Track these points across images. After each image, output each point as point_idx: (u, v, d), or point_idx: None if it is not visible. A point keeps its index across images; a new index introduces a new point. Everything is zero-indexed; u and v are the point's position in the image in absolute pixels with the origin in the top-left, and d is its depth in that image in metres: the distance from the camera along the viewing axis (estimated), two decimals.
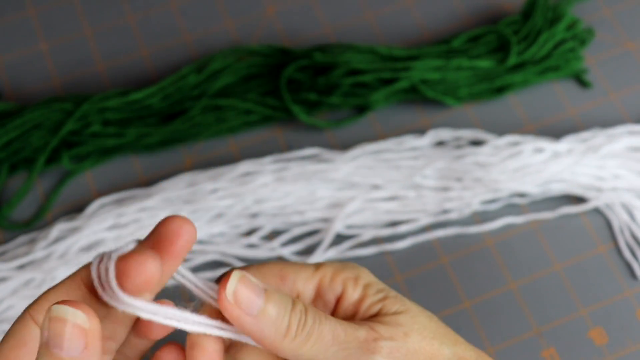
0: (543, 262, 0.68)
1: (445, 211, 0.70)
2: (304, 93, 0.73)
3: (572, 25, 0.76)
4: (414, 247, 0.69)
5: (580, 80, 0.76)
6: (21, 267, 0.67)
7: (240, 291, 0.43)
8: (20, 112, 0.71)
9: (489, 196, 0.70)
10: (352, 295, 0.48)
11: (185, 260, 0.68)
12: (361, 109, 0.75)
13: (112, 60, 0.77)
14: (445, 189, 0.70)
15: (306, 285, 0.48)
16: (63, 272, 0.66)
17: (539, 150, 0.70)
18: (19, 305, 0.66)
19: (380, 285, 0.49)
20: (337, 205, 0.70)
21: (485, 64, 0.73)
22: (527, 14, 0.76)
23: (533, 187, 0.70)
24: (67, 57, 0.77)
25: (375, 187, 0.70)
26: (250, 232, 0.70)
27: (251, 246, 0.69)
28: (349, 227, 0.70)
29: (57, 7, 0.79)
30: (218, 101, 0.72)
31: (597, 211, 0.70)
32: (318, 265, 0.49)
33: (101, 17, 0.79)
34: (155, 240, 0.42)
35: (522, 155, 0.70)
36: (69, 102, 0.71)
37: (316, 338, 0.45)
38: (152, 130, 0.72)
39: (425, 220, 0.69)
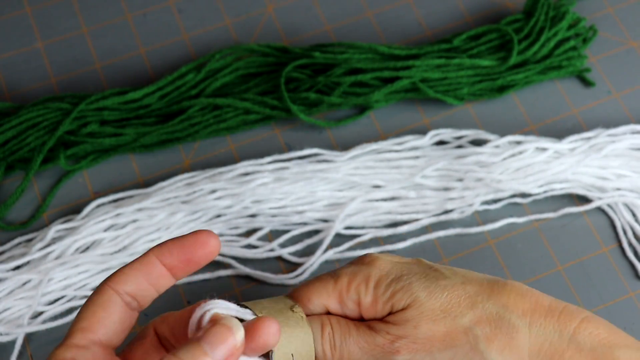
0: (545, 262, 0.68)
1: (447, 211, 0.70)
2: (304, 92, 0.72)
3: (574, 24, 0.76)
4: (415, 248, 0.69)
5: (583, 79, 0.75)
6: (18, 268, 0.67)
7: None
8: (17, 112, 0.71)
9: (491, 196, 0.70)
10: (366, 300, 0.53)
11: None
12: (361, 109, 0.74)
13: (109, 59, 0.77)
14: (447, 189, 0.70)
15: (329, 300, 0.53)
16: (60, 274, 0.66)
17: (541, 150, 0.70)
18: (16, 306, 0.65)
19: (391, 275, 0.53)
20: (337, 205, 0.69)
21: (486, 62, 0.73)
22: (529, 12, 0.76)
23: (535, 187, 0.69)
24: (64, 56, 0.77)
25: (376, 187, 0.70)
26: (249, 233, 0.69)
27: (250, 247, 0.69)
28: (349, 227, 0.70)
29: (54, 5, 0.79)
30: (217, 100, 0.71)
31: (600, 211, 0.70)
32: (336, 278, 0.53)
33: (99, 15, 0.78)
34: (182, 244, 0.48)
35: (524, 155, 0.70)
36: (66, 101, 0.71)
37: (348, 353, 0.52)
38: (150, 129, 0.71)
39: (426, 221, 0.69)
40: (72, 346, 0.46)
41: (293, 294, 0.55)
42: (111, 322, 0.47)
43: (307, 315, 0.53)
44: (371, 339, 0.52)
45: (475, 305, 0.51)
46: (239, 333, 0.44)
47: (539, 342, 0.51)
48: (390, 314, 0.52)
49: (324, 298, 0.53)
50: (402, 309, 0.52)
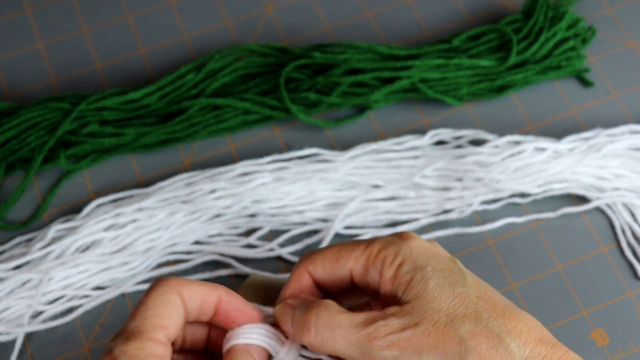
0: (544, 262, 0.68)
1: (446, 211, 0.70)
2: (303, 92, 0.72)
3: (573, 24, 0.76)
4: None
5: (582, 80, 0.76)
6: (18, 267, 0.67)
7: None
8: (17, 112, 0.71)
9: (490, 196, 0.70)
10: (387, 273, 0.52)
11: (186, 262, 0.68)
12: (361, 109, 0.74)
13: (109, 60, 0.77)
14: (446, 188, 0.70)
15: (355, 264, 0.53)
16: (60, 273, 0.66)
17: (540, 150, 0.70)
18: (17, 306, 0.65)
19: (418, 262, 0.52)
20: (336, 205, 0.69)
21: (486, 63, 0.73)
22: (528, 12, 0.76)
23: (534, 186, 0.69)
24: (64, 56, 0.77)
25: (375, 187, 0.70)
26: (248, 233, 0.69)
27: (250, 246, 0.69)
28: (349, 227, 0.70)
29: (54, 6, 0.79)
30: (216, 101, 0.72)
31: (599, 211, 0.70)
32: (369, 243, 0.54)
33: (99, 15, 0.78)
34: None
35: (523, 155, 0.70)
36: (66, 101, 0.71)
37: (332, 342, 0.52)
38: (150, 129, 0.71)
39: (425, 221, 0.69)
40: (155, 341, 0.49)
41: (319, 252, 0.55)
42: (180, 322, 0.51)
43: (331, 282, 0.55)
44: (363, 330, 0.51)
45: (479, 319, 0.50)
46: None
47: None
48: (400, 299, 0.52)
49: (351, 261, 0.53)
50: (410, 300, 0.51)
